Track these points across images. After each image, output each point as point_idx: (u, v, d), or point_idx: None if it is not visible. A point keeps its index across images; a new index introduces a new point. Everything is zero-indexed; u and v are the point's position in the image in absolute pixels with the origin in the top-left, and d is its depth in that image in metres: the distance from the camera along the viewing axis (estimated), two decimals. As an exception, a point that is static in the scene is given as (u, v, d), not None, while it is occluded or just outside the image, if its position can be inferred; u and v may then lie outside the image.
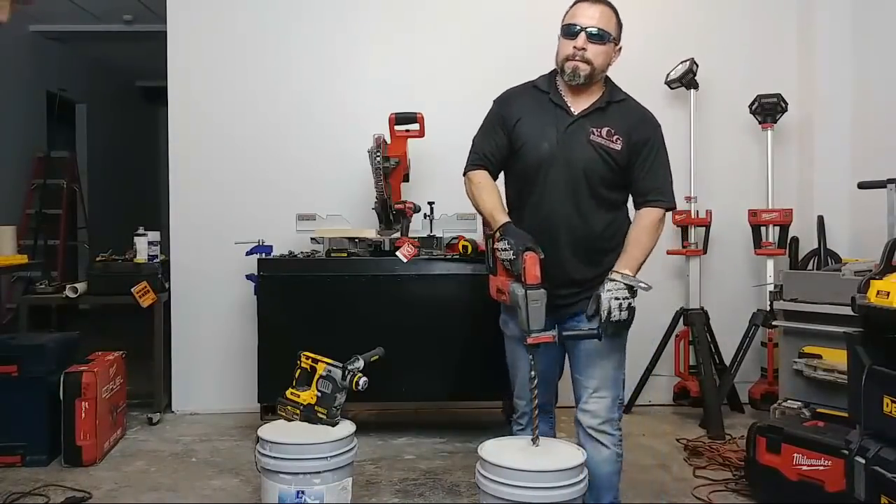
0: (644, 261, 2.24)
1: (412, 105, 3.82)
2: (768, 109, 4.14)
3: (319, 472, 2.30)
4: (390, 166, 3.69)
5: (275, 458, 2.31)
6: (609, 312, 2.10)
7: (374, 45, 4.34)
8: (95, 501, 2.93)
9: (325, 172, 4.25)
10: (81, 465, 3.29)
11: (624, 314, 2.11)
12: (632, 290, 2.14)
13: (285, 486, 2.29)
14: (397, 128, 3.77)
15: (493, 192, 2.33)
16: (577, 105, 2.28)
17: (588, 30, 2.21)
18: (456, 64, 4.32)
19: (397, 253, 3.58)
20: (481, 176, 2.36)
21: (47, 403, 3.32)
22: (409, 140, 3.81)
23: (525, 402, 2.41)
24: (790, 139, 4.39)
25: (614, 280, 2.14)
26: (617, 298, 2.11)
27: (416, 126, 3.78)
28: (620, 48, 2.31)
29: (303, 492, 2.28)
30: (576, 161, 2.23)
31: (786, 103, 4.13)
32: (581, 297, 2.27)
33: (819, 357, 3.16)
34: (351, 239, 3.76)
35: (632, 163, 2.26)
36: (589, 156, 2.23)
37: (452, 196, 3.90)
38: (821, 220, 4.08)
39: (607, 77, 2.33)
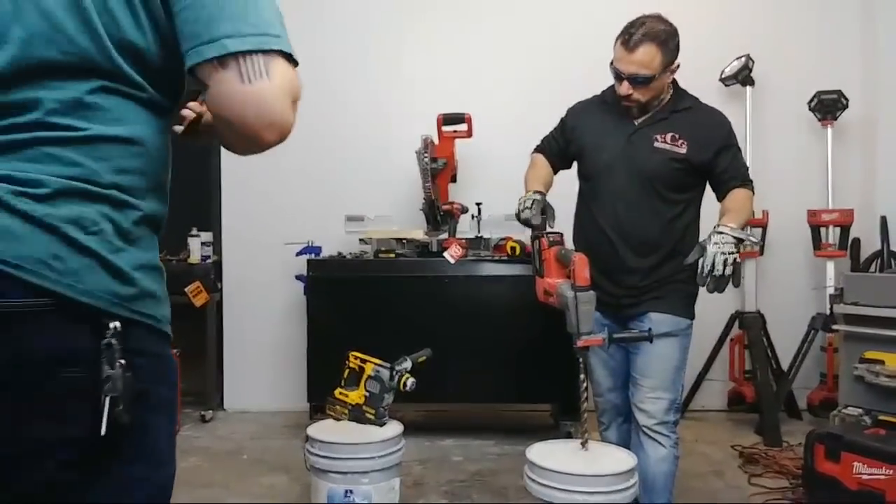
0: (745, 223, 2.25)
1: (459, 106, 3.83)
2: (828, 106, 4.01)
3: (367, 472, 2.31)
4: (438, 167, 3.70)
5: (324, 457, 2.33)
6: (713, 266, 2.06)
7: (422, 46, 4.36)
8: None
9: (374, 174, 4.28)
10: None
11: (728, 269, 2.07)
12: (738, 245, 2.11)
13: (334, 485, 2.30)
14: (445, 128, 3.77)
15: (539, 169, 2.48)
16: (642, 114, 2.33)
17: (631, 77, 2.20)
18: (504, 64, 4.31)
19: (445, 254, 3.59)
20: (535, 156, 2.55)
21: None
22: (457, 141, 3.82)
23: (602, 399, 2.49)
24: (851, 137, 4.24)
25: (722, 232, 2.11)
26: (724, 253, 2.07)
27: (463, 127, 3.78)
28: (678, 65, 2.27)
29: (351, 491, 2.29)
30: (641, 167, 2.28)
31: (847, 99, 3.99)
32: (642, 298, 2.32)
33: (881, 363, 3.06)
34: (399, 240, 3.78)
35: (711, 167, 2.29)
36: (655, 161, 2.27)
37: (500, 197, 3.90)
38: (884, 220, 3.94)
39: (674, 83, 2.34)
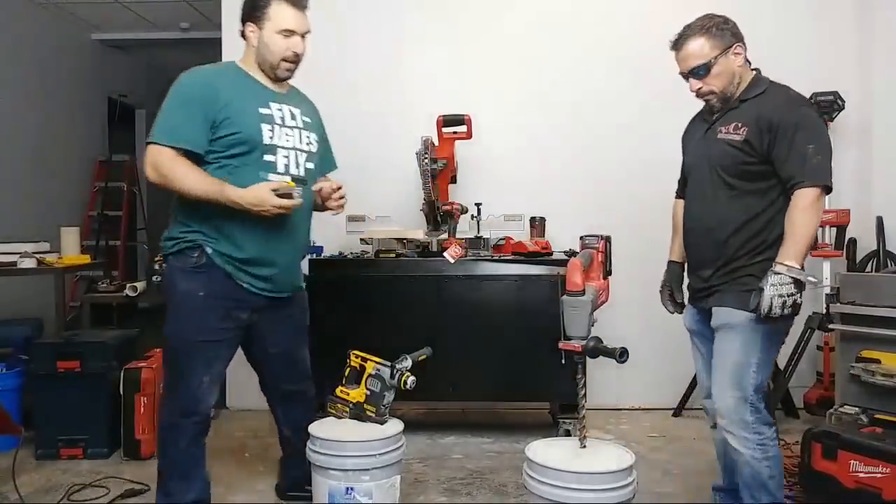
0: (807, 247, 2.16)
1: (459, 107, 3.85)
2: (824, 108, 4.02)
3: (368, 470, 2.33)
4: (438, 168, 3.72)
5: (325, 454, 2.35)
6: (770, 309, 2.06)
7: (424, 47, 4.38)
8: (153, 494, 3.03)
9: (374, 175, 4.30)
10: (140, 458, 3.41)
11: (787, 310, 2.08)
12: (798, 284, 2.09)
13: (335, 482, 2.33)
14: (445, 130, 3.80)
15: (676, 227, 2.61)
16: (723, 105, 2.37)
17: (690, 71, 2.31)
18: (505, 66, 4.33)
19: (444, 254, 3.60)
20: (676, 204, 2.65)
21: (108, 398, 3.45)
22: (457, 142, 3.84)
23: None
24: (848, 138, 4.26)
25: (779, 273, 2.08)
26: (781, 296, 2.06)
27: (463, 128, 3.80)
28: (739, 44, 2.31)
29: (352, 488, 2.32)
30: (709, 160, 2.35)
31: (843, 101, 4.01)
32: (713, 292, 2.34)
33: (877, 362, 3.09)
34: (399, 240, 3.80)
35: (771, 149, 2.20)
36: (718, 152, 2.31)
37: (499, 197, 3.94)
38: (880, 220, 3.97)
39: (757, 71, 2.38)
